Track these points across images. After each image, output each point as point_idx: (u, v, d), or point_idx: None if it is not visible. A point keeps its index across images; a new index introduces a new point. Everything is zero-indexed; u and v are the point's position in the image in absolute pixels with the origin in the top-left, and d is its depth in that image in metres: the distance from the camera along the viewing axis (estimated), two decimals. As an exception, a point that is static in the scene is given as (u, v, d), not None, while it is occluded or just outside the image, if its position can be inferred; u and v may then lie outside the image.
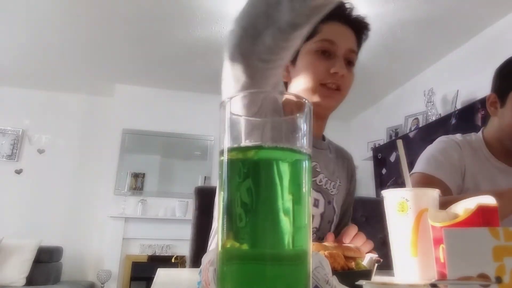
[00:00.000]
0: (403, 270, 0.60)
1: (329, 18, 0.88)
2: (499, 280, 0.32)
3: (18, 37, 3.40)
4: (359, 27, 0.94)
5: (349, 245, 0.54)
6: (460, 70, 3.30)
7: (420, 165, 1.13)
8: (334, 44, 0.89)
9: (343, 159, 1.07)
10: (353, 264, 0.51)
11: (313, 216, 0.91)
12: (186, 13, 3.01)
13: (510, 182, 1.09)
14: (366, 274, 0.49)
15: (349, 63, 0.91)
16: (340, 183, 1.00)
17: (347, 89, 0.92)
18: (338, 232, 0.81)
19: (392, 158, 3.86)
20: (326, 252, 0.48)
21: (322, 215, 0.93)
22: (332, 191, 0.96)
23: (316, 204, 0.92)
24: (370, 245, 0.77)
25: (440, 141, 1.19)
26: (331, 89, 0.89)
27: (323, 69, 0.88)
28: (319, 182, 0.94)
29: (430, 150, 1.17)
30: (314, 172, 0.93)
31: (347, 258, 0.50)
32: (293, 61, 0.94)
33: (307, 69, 0.89)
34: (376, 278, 0.54)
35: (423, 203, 0.59)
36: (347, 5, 0.92)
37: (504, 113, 1.10)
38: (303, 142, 0.30)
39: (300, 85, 0.90)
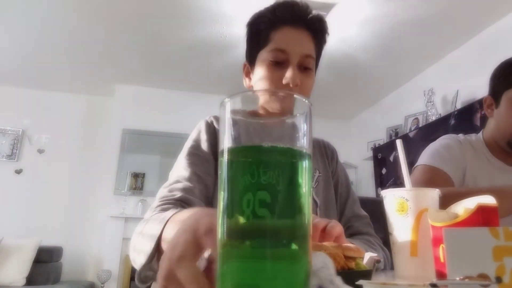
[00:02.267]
0: (403, 270, 0.60)
1: (280, 23, 0.87)
2: (499, 280, 0.32)
3: (18, 37, 3.40)
4: (314, 29, 0.89)
5: (349, 245, 0.54)
6: (460, 70, 3.30)
7: (425, 158, 1.15)
8: (286, 53, 0.85)
9: (319, 147, 1.06)
10: (353, 264, 0.50)
11: None
12: (186, 13, 3.01)
13: (508, 180, 1.12)
14: (366, 274, 0.49)
15: (306, 68, 0.88)
16: (320, 173, 0.99)
17: (306, 95, 0.88)
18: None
19: (392, 158, 3.87)
20: (326, 252, 0.48)
21: None
22: None
23: None
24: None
25: (444, 138, 1.22)
26: None
27: (275, 80, 0.86)
28: None
29: (434, 146, 1.20)
30: None
31: (347, 258, 0.50)
32: (252, 66, 0.92)
33: (261, 80, 0.88)
34: (376, 278, 0.54)
35: (423, 203, 0.59)
36: (300, 7, 0.88)
37: (498, 114, 1.14)
38: (303, 142, 0.30)
39: None
